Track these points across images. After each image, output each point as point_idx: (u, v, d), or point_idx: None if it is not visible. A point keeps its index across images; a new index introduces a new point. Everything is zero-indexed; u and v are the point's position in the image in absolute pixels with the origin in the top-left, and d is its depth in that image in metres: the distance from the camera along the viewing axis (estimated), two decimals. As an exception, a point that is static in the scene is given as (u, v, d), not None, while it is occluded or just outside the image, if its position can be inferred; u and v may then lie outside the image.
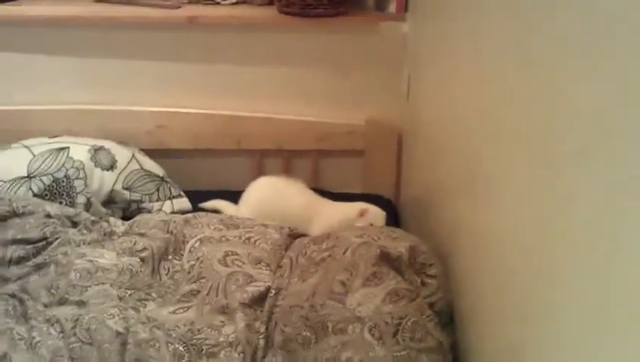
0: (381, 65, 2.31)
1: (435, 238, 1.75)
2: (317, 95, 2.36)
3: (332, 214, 1.95)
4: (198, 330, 1.47)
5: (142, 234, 1.77)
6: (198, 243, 1.73)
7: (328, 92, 2.35)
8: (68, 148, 2.06)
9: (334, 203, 2.02)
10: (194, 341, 1.44)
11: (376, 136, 2.38)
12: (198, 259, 1.68)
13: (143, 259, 1.68)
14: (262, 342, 1.45)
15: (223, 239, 1.72)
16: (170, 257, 1.72)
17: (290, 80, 2.34)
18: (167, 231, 1.78)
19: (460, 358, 1.44)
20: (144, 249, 1.70)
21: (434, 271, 1.57)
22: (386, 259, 1.56)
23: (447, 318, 1.51)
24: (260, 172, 2.42)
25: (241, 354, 1.41)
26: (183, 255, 1.72)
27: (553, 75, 0.95)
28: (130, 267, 1.65)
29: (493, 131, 1.29)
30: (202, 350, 1.42)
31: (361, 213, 1.87)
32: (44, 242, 1.74)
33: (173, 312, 1.53)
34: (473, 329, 1.41)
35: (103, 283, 1.58)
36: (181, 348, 1.42)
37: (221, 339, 1.44)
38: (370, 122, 2.37)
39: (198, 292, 1.59)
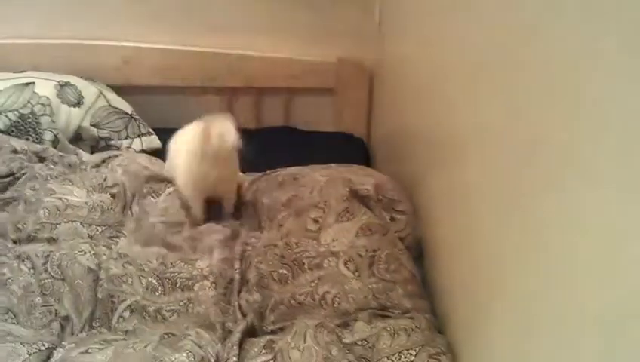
0: (354, 1, 2.27)
1: (405, 177, 1.77)
2: (289, 32, 2.32)
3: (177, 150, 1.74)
4: (172, 264, 1.47)
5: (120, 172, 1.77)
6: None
7: (300, 29, 2.32)
8: (33, 83, 2.01)
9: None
10: (167, 274, 1.45)
11: (348, 74, 2.36)
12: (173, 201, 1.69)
13: (113, 196, 1.67)
14: (237, 276, 1.47)
15: None
16: (145, 191, 1.72)
17: (262, 16, 2.29)
18: (148, 171, 1.79)
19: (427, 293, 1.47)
20: (115, 185, 1.69)
21: (402, 207, 1.59)
22: (355, 195, 1.58)
23: (417, 253, 1.53)
24: (230, 110, 2.40)
25: (214, 285, 1.43)
26: (160, 194, 1.72)
27: (537, 19, 0.94)
28: (101, 204, 1.63)
29: (468, 75, 1.28)
30: (176, 283, 1.43)
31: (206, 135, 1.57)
32: (10, 178, 1.72)
33: (146, 247, 1.54)
34: (441, 264, 1.43)
35: (72, 221, 1.58)
36: (154, 281, 1.43)
37: (195, 273, 1.46)
38: (342, 60, 2.34)
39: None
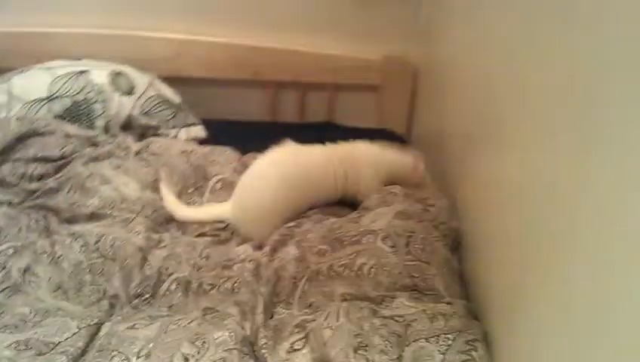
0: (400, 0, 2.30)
1: (444, 175, 1.79)
2: (336, 28, 2.36)
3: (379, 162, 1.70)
4: (215, 251, 1.55)
5: (162, 162, 1.83)
6: (219, 185, 1.79)
7: (347, 26, 2.35)
8: (88, 71, 2.08)
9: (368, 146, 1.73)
10: (211, 258, 1.53)
11: (392, 72, 2.39)
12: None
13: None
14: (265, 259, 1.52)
15: None
16: (190, 191, 1.78)
17: (309, 12, 2.34)
18: (188, 163, 1.85)
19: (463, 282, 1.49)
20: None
21: (431, 201, 1.61)
22: (387, 192, 1.64)
23: (454, 244, 1.55)
24: (275, 104, 2.45)
25: (252, 263, 1.49)
26: (204, 193, 1.78)
27: (582, 20, 0.96)
28: (153, 202, 1.70)
29: (512, 77, 1.30)
30: (219, 263, 1.51)
31: (414, 169, 1.69)
32: (63, 160, 1.80)
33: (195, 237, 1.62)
34: (478, 255, 1.46)
35: (127, 213, 1.64)
36: (200, 261, 1.50)
37: (233, 256, 1.53)
38: (387, 58, 2.37)
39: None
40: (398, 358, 1.17)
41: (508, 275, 1.23)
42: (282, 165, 1.61)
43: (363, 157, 1.67)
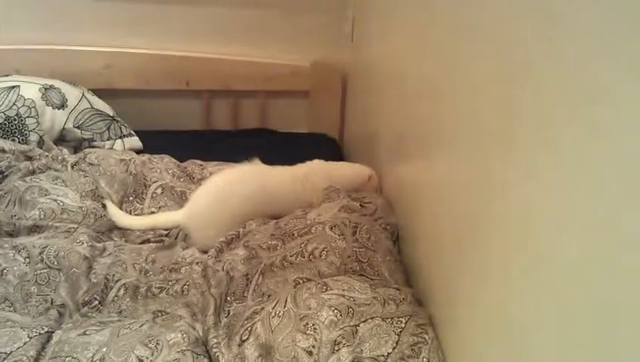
0: (326, 7, 2.39)
1: (376, 171, 1.88)
2: (264, 36, 2.42)
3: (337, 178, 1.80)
4: (162, 255, 1.57)
5: (100, 171, 1.84)
6: (160, 191, 1.82)
7: (275, 33, 2.42)
8: (18, 86, 2.07)
9: (329, 164, 1.87)
10: (157, 262, 1.55)
11: (321, 77, 2.47)
12: (159, 208, 1.78)
13: (104, 206, 1.76)
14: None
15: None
16: (131, 198, 1.81)
17: (238, 21, 2.40)
18: (127, 172, 1.86)
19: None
20: (106, 194, 1.79)
21: (368, 200, 1.70)
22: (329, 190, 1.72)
23: (393, 237, 1.63)
24: (208, 112, 2.49)
25: (200, 266, 1.53)
26: (144, 199, 1.81)
27: (503, 17, 1.04)
28: (94, 211, 1.71)
29: (434, 76, 1.39)
30: (166, 266, 1.54)
31: (370, 178, 1.82)
32: (0, 175, 1.78)
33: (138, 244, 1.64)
34: (415, 246, 1.54)
35: (69, 223, 1.65)
36: (146, 266, 1.52)
37: (180, 259, 1.56)
38: (315, 64, 2.45)
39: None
40: (351, 329, 1.22)
41: (444, 265, 1.31)
42: (246, 183, 1.72)
43: (319, 172, 1.79)
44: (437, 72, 1.36)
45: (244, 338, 1.29)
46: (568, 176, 0.79)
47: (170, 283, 1.48)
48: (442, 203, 1.32)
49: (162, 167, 1.92)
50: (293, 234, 1.53)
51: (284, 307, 1.30)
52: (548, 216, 0.84)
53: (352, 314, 1.25)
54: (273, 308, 1.31)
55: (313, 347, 1.20)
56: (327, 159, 1.98)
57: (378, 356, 1.18)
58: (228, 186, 1.72)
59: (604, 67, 0.72)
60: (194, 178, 1.93)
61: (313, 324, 1.23)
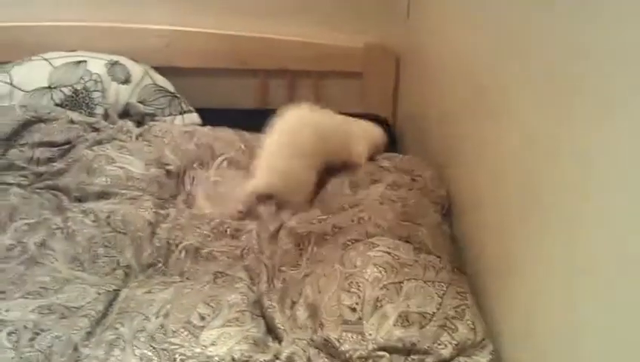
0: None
1: (430, 153, 1.91)
2: (319, 17, 2.45)
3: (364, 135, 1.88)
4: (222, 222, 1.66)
5: (165, 143, 1.92)
6: (226, 163, 1.88)
7: (330, 14, 2.45)
8: (85, 61, 2.16)
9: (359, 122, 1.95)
10: (218, 227, 1.64)
11: (374, 58, 2.50)
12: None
13: (169, 172, 1.83)
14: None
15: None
16: (195, 165, 1.87)
17: (293, 1, 2.43)
18: (192, 142, 1.94)
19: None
20: (169, 163, 1.85)
21: (418, 172, 1.74)
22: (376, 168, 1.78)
23: (444, 211, 1.66)
24: (264, 91, 2.54)
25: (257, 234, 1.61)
26: (209, 170, 1.87)
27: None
28: (158, 179, 1.79)
29: (492, 59, 1.41)
30: (226, 231, 1.63)
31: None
32: (69, 145, 1.88)
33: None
34: (467, 220, 1.57)
35: (135, 190, 1.73)
36: (207, 232, 1.60)
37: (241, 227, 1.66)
38: (368, 45, 2.48)
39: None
40: (395, 286, 1.27)
41: (499, 238, 1.34)
42: (312, 120, 1.75)
43: (361, 130, 1.87)
44: (492, 48, 1.37)
45: (294, 299, 1.35)
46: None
47: (230, 247, 1.55)
48: (505, 162, 1.32)
49: (228, 139, 1.97)
50: (343, 207, 1.59)
51: (332, 267, 1.36)
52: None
53: (397, 272, 1.30)
54: (322, 270, 1.37)
55: (357, 304, 1.25)
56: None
57: (424, 313, 1.22)
58: (296, 127, 1.74)
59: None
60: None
61: (357, 282, 1.29)
